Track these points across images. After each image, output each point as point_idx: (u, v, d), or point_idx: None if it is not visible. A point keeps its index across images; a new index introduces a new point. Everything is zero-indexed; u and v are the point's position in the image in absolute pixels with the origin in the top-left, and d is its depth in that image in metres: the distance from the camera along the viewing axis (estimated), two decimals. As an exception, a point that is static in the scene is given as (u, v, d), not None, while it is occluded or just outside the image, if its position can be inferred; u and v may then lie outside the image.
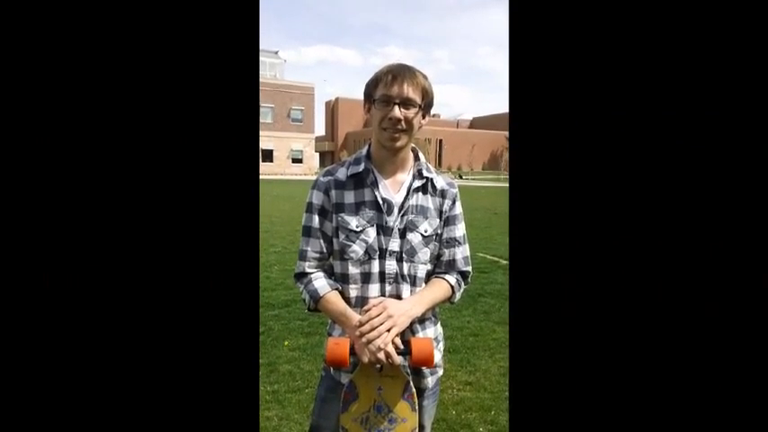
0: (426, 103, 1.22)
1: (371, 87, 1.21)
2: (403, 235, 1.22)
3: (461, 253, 1.31)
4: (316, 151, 48.05)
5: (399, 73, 1.18)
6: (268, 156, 43.60)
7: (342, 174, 1.25)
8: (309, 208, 1.26)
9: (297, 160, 45.37)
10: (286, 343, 3.43)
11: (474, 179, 37.17)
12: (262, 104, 42.37)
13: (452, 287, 1.29)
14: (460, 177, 38.30)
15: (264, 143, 42.69)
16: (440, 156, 50.73)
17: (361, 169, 1.23)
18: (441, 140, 51.13)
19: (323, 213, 1.25)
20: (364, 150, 1.28)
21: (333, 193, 1.24)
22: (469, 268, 1.33)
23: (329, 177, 1.26)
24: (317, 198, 1.25)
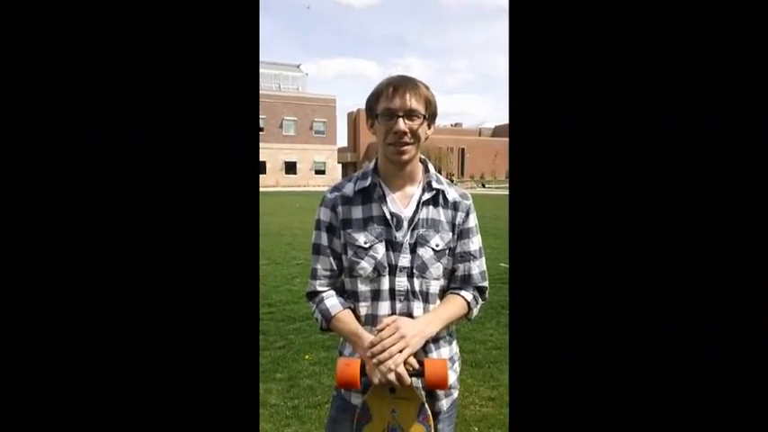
0: (430, 113, 1.19)
1: (373, 101, 1.18)
2: (413, 250, 1.18)
3: (477, 267, 1.26)
4: (338, 162, 48.43)
5: (400, 85, 1.15)
6: (291, 168, 44.17)
7: (349, 189, 1.22)
8: (318, 225, 1.24)
9: (320, 172, 45.82)
10: (307, 357, 3.41)
11: (497, 188, 36.84)
12: (285, 118, 43.14)
13: (469, 303, 1.24)
14: (483, 186, 37.98)
15: (288, 156, 43.36)
16: (463, 165, 50.52)
17: (368, 184, 1.21)
18: (463, 149, 50.93)
19: (331, 230, 1.22)
20: (371, 164, 1.25)
21: (340, 209, 1.21)
22: (486, 283, 1.28)
23: (336, 193, 1.23)
24: (324, 215, 1.23)
